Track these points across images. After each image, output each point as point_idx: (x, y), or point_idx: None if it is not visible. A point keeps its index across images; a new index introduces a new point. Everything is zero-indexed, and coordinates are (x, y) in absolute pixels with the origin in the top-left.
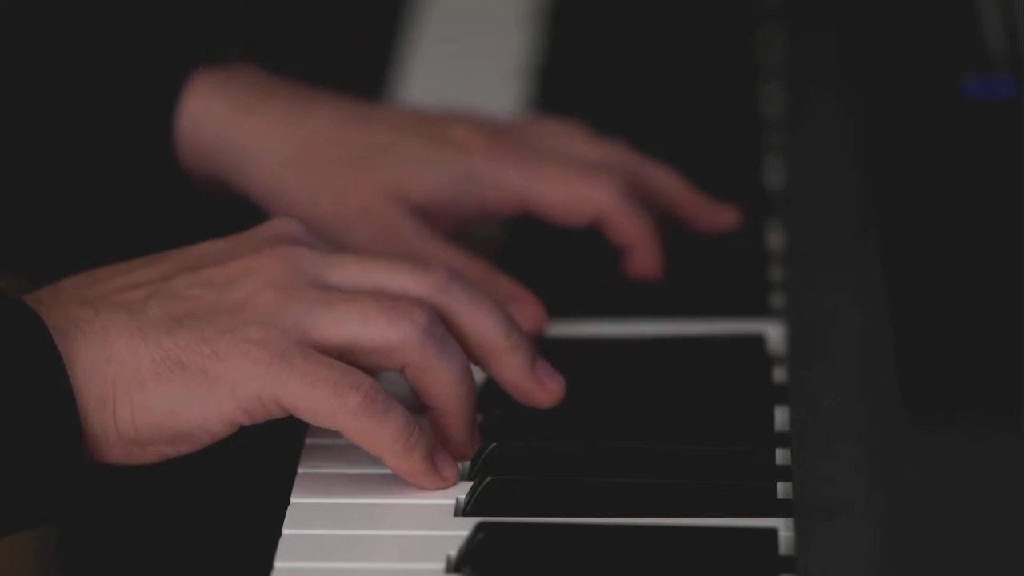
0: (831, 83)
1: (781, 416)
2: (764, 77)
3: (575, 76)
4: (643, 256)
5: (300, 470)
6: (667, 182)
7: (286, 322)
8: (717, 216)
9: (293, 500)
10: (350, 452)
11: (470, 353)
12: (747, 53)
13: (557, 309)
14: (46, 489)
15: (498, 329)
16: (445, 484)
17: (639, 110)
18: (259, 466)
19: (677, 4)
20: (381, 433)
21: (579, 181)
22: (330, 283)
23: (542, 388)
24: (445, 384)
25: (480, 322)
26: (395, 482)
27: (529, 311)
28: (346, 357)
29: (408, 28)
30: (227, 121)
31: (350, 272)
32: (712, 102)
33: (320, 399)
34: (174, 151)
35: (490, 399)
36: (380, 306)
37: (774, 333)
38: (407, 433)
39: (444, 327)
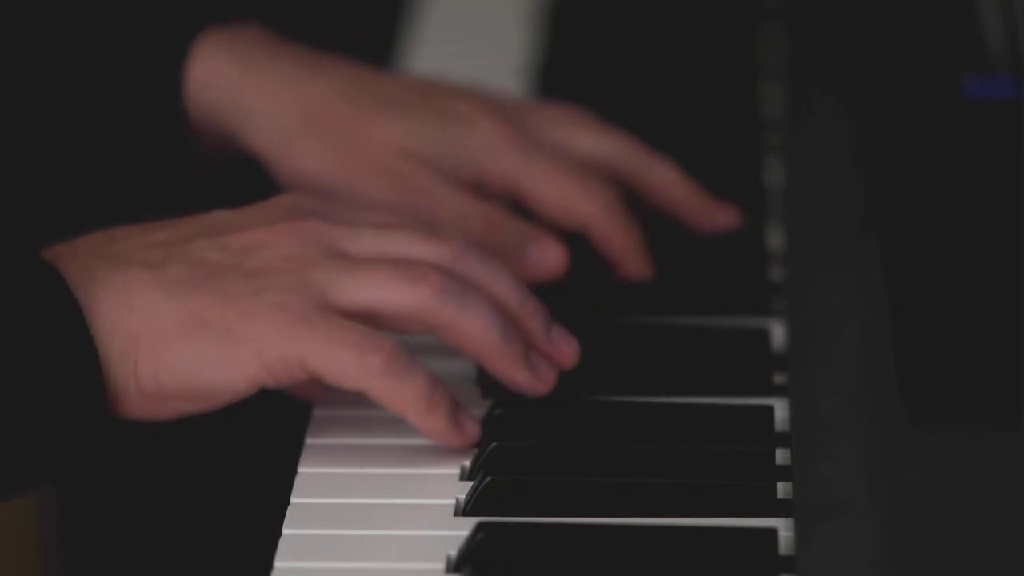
0: (831, 83)
1: (781, 416)
2: (764, 77)
3: (575, 76)
4: (627, 268)
5: (300, 470)
6: (667, 178)
7: (307, 288)
8: (716, 216)
9: (293, 500)
10: (350, 452)
11: None
12: (747, 53)
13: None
14: (68, 442)
15: (512, 297)
16: (468, 441)
17: (639, 110)
18: (259, 466)
19: (677, 4)
20: (404, 393)
21: (570, 186)
22: (347, 253)
23: (559, 352)
24: (477, 337)
25: (494, 291)
26: (395, 482)
27: (548, 251)
28: (369, 324)
29: (408, 28)
30: (234, 82)
31: (366, 242)
32: (712, 102)
33: (343, 360)
34: (184, 114)
35: (491, 397)
36: (396, 271)
37: (774, 333)
38: (429, 392)
39: (461, 282)
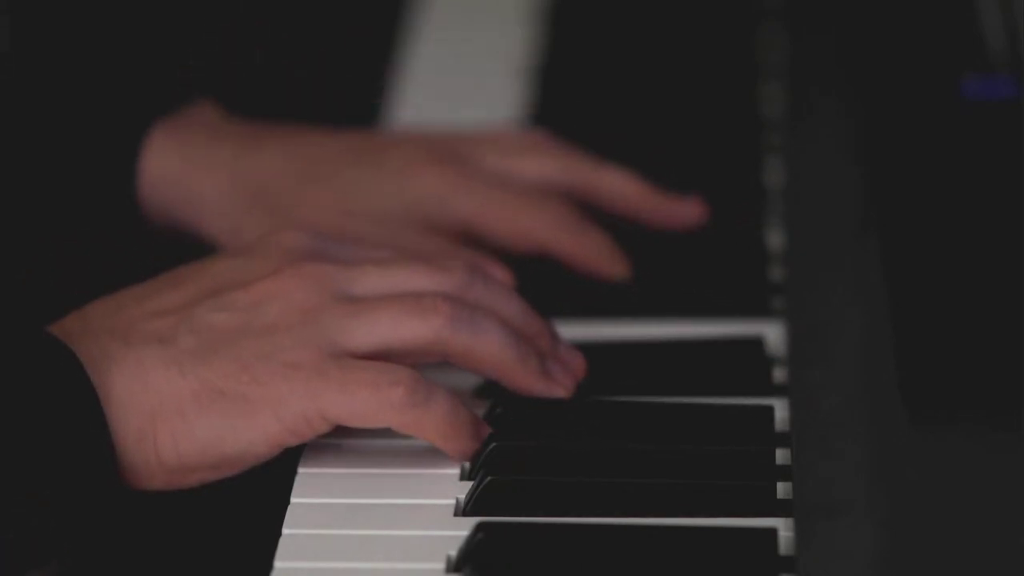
0: (831, 83)
1: (781, 416)
2: (764, 77)
3: (575, 76)
4: (603, 272)
5: (300, 470)
6: (621, 187)
7: (319, 339)
8: (678, 211)
9: (293, 500)
10: (350, 452)
11: None
12: (747, 53)
13: (556, 310)
14: (81, 524)
15: (519, 318)
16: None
17: (639, 110)
18: (259, 466)
19: (677, 4)
20: (428, 421)
21: (519, 212)
22: (354, 295)
23: (564, 369)
24: (493, 357)
25: (501, 313)
26: (395, 482)
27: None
28: (385, 360)
29: (408, 28)
30: (182, 173)
31: (372, 281)
32: (712, 102)
33: (362, 402)
34: (139, 212)
35: (490, 397)
36: (406, 306)
37: (774, 333)
38: (453, 415)
39: (470, 307)
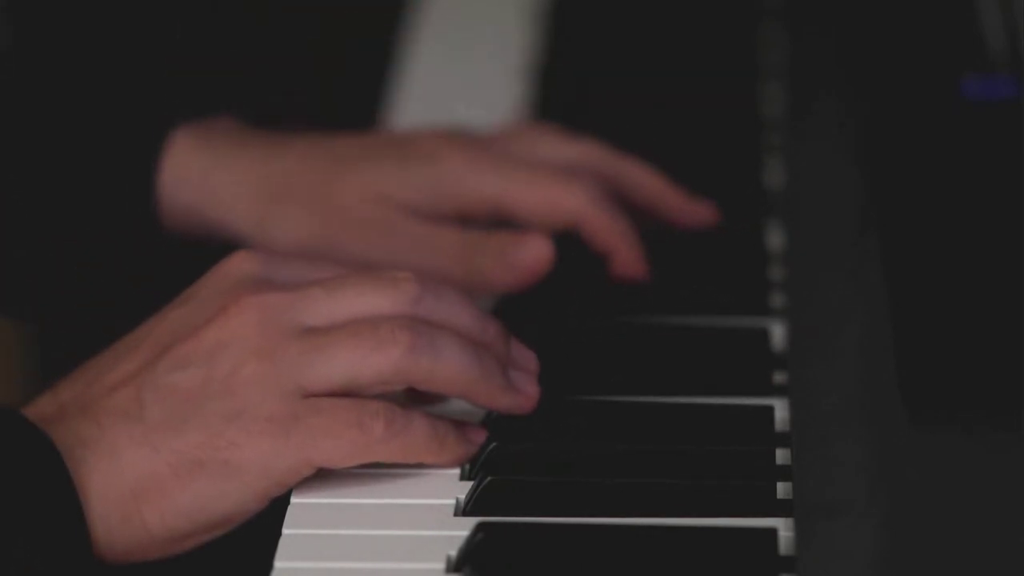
0: (831, 83)
1: (781, 416)
2: (764, 77)
3: (575, 76)
4: (623, 259)
5: None
6: (643, 178)
7: (282, 385)
8: (694, 211)
9: (293, 500)
10: None
11: None
12: (747, 53)
13: (556, 309)
14: None
15: (474, 327)
16: (477, 448)
17: (639, 110)
18: None
19: (677, 4)
20: (412, 445)
21: (552, 185)
22: (305, 324)
23: (524, 375)
24: (456, 379)
25: (457, 324)
26: (395, 482)
27: (530, 248)
28: (349, 395)
29: (408, 28)
30: (206, 174)
31: (320, 306)
32: (712, 102)
33: (348, 443)
34: (156, 213)
35: None
36: (361, 340)
37: (774, 333)
38: (434, 431)
39: (427, 329)
